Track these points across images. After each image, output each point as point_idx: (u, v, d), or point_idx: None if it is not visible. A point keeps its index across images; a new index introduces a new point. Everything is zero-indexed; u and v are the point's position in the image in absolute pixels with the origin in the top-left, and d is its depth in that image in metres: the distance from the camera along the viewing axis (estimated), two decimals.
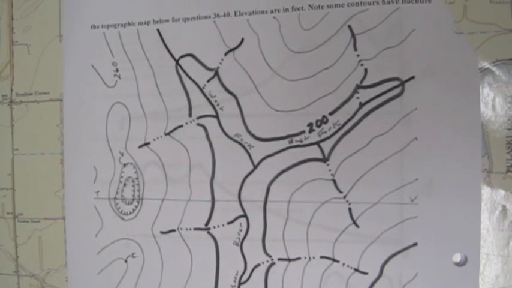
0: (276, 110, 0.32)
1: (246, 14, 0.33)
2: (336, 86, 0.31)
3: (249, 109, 0.33)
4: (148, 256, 0.35)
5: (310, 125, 0.32)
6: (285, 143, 0.32)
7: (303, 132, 0.32)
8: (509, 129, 0.30)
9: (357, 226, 0.31)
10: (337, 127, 0.31)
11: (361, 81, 0.31)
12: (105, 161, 0.35)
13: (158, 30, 0.34)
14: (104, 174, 0.35)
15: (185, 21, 0.34)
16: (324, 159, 0.32)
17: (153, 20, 0.34)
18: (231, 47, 0.33)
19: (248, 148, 0.33)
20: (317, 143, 0.32)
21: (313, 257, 0.32)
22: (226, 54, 0.33)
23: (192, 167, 0.34)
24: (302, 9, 0.32)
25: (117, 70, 0.35)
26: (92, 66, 0.36)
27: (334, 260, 0.32)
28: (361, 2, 0.31)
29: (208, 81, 0.33)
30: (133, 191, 0.35)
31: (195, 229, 0.34)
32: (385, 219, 0.31)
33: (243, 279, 0.33)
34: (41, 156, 0.37)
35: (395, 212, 0.30)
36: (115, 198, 0.35)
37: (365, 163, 0.31)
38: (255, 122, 0.33)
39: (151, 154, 0.35)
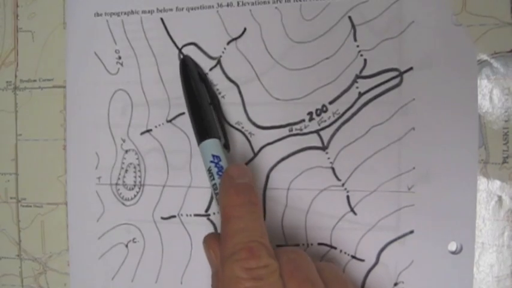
0: (277, 99, 0.33)
1: (248, 4, 0.33)
2: (336, 76, 0.32)
3: (250, 97, 0.33)
4: (149, 241, 0.35)
5: (310, 113, 0.32)
6: (285, 131, 0.33)
7: (303, 120, 0.32)
8: (506, 121, 0.30)
9: (355, 214, 0.32)
10: (336, 116, 0.32)
11: (361, 72, 0.32)
12: (107, 148, 0.36)
13: (162, 19, 0.35)
14: (106, 161, 0.36)
15: (189, 11, 0.34)
16: (323, 148, 0.32)
17: (157, 9, 0.35)
18: (234, 36, 0.33)
19: (249, 136, 0.33)
20: (317, 132, 0.32)
21: (311, 244, 0.32)
22: (228, 43, 0.34)
23: (193, 154, 0.34)
24: (303, 0, 0.32)
25: (119, 57, 0.36)
26: (95, 53, 0.36)
27: (331, 247, 0.32)
28: None
29: (211, 69, 0.34)
30: (135, 177, 0.35)
31: (195, 215, 0.34)
32: (383, 207, 0.31)
33: None
34: (44, 142, 0.37)
35: (392, 200, 0.31)
36: (117, 184, 0.36)
37: (363, 152, 0.31)
38: (256, 110, 0.33)
39: (153, 141, 0.35)
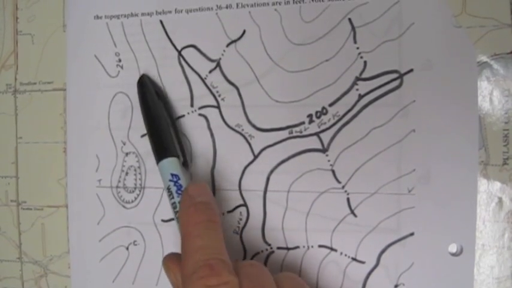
0: (277, 101, 0.33)
1: (248, 6, 0.33)
2: (336, 78, 0.32)
3: (250, 100, 0.33)
4: (150, 244, 0.35)
5: (310, 116, 0.32)
6: (285, 134, 0.33)
7: (303, 123, 0.32)
8: (506, 123, 0.30)
9: (355, 216, 0.32)
10: (336, 118, 0.32)
11: (361, 74, 0.31)
12: (108, 150, 0.36)
13: (161, 22, 0.35)
14: (107, 163, 0.36)
15: (188, 13, 0.34)
16: (323, 150, 0.32)
17: (156, 11, 0.35)
18: (233, 38, 0.33)
19: (249, 138, 0.33)
20: (317, 134, 0.32)
21: (312, 246, 0.32)
22: (228, 45, 0.34)
23: (192, 156, 0.34)
24: (303, 2, 0.32)
25: (119, 60, 0.36)
26: (95, 56, 0.36)
27: (332, 249, 0.32)
28: None
29: (210, 72, 0.34)
30: (135, 179, 0.35)
31: None
32: (383, 209, 0.31)
33: None
34: (44, 144, 0.37)
35: (392, 202, 0.31)
36: (117, 187, 0.36)
37: (363, 154, 0.31)
38: (255, 113, 0.33)
39: None
